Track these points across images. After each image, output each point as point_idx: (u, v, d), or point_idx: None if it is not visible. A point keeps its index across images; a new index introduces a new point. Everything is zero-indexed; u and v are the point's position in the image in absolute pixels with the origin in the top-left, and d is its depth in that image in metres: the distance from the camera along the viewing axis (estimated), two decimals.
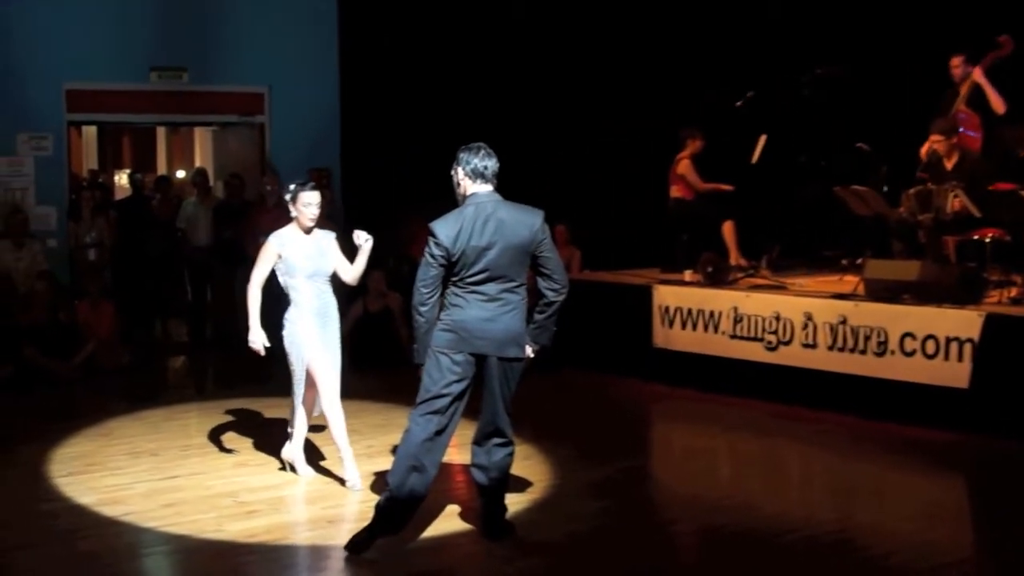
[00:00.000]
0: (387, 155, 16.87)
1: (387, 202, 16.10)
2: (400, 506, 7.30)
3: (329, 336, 8.85)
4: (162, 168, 24.77)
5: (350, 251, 8.86)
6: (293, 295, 8.83)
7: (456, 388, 7.27)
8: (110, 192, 20.52)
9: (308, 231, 8.84)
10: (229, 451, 9.97)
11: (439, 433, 7.30)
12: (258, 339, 8.85)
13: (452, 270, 7.24)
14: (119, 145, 25.99)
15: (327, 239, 8.93)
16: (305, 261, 8.77)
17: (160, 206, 17.05)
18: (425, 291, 7.23)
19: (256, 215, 15.41)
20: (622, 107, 16.85)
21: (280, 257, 8.78)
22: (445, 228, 7.20)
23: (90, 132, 23.39)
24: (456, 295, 7.28)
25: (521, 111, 16.72)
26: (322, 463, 9.45)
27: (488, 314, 7.24)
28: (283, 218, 14.93)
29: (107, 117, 17.68)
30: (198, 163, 21.62)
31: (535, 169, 15.15)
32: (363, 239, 8.55)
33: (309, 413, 9.07)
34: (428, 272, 7.23)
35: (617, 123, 16.76)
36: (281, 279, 8.86)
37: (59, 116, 16.17)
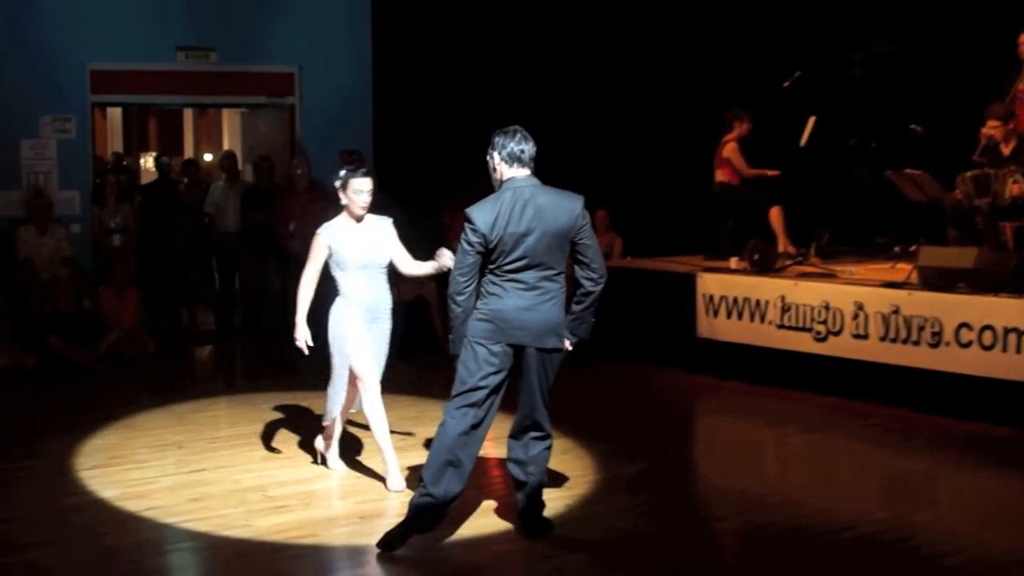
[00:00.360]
0: (422, 138, 16.83)
1: (421, 187, 16.10)
2: (435, 502, 7.28)
3: (377, 332, 8.69)
4: (189, 151, 24.86)
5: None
6: (342, 287, 8.65)
7: (493, 380, 7.24)
8: (135, 176, 20.58)
9: (359, 219, 8.65)
10: (274, 450, 9.79)
11: (475, 427, 7.27)
12: (302, 336, 8.68)
13: (489, 258, 7.21)
14: (145, 127, 26.09)
15: (382, 226, 8.72)
16: (355, 252, 8.57)
17: (187, 190, 17.08)
18: (462, 280, 7.20)
19: (286, 199, 15.43)
20: (665, 88, 16.78)
21: (330, 250, 8.59)
22: (482, 214, 7.17)
23: (115, 114, 23.48)
24: (493, 284, 7.26)
25: (560, 92, 16.68)
26: (357, 457, 9.44)
27: (526, 303, 7.21)
28: (314, 202, 15.03)
29: (132, 98, 17.73)
30: (226, 146, 21.68)
31: (574, 153, 15.11)
32: (446, 258, 8.13)
33: (346, 408, 9.03)
34: (465, 260, 7.20)
35: (660, 104, 16.70)
36: (332, 270, 8.67)
37: (83, 97, 16.20)
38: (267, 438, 10.20)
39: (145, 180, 20.54)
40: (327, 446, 9.19)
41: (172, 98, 17.76)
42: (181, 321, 16.47)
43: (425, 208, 14.48)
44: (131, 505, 8.32)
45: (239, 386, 13.56)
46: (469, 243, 7.17)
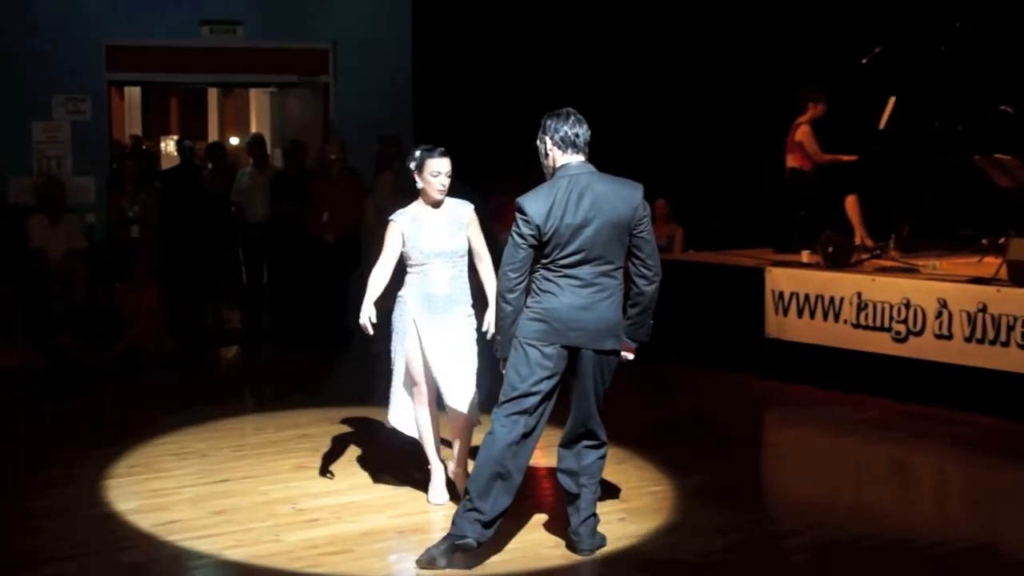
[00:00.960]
0: (467, 120, 16.82)
1: (467, 173, 16.07)
2: (482, 517, 7.27)
3: (442, 327, 8.38)
4: (214, 134, 24.98)
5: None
6: (409, 275, 8.44)
7: (546, 385, 7.24)
8: (155, 161, 20.71)
9: (437, 205, 8.44)
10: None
11: (526, 436, 7.28)
12: (367, 312, 8.33)
13: (542, 251, 7.19)
14: (166, 108, 26.24)
15: (463, 211, 8.51)
16: (430, 239, 8.36)
17: (212, 177, 17.15)
18: (513, 276, 7.18)
19: (319, 187, 15.46)
20: (731, 64, 16.72)
21: (405, 239, 8.36)
22: (535, 204, 7.15)
23: (133, 94, 23.61)
24: (547, 280, 7.24)
25: (614, 71, 16.64)
26: (393, 466, 9.45)
27: (583, 301, 7.21)
28: (349, 190, 15.04)
29: (152, 77, 17.84)
30: (254, 128, 21.79)
31: (630, 136, 15.08)
32: None
33: (449, 431, 8.66)
34: (516, 254, 7.17)
35: (726, 83, 16.64)
36: (405, 261, 8.44)
37: (99, 76, 16.31)
38: (294, 446, 10.24)
39: (166, 165, 20.66)
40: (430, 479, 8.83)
41: (196, 77, 17.90)
42: (204, 319, 16.51)
43: (470, 195, 14.48)
44: (151, 518, 8.36)
45: (267, 390, 13.59)
46: (521, 236, 7.15)
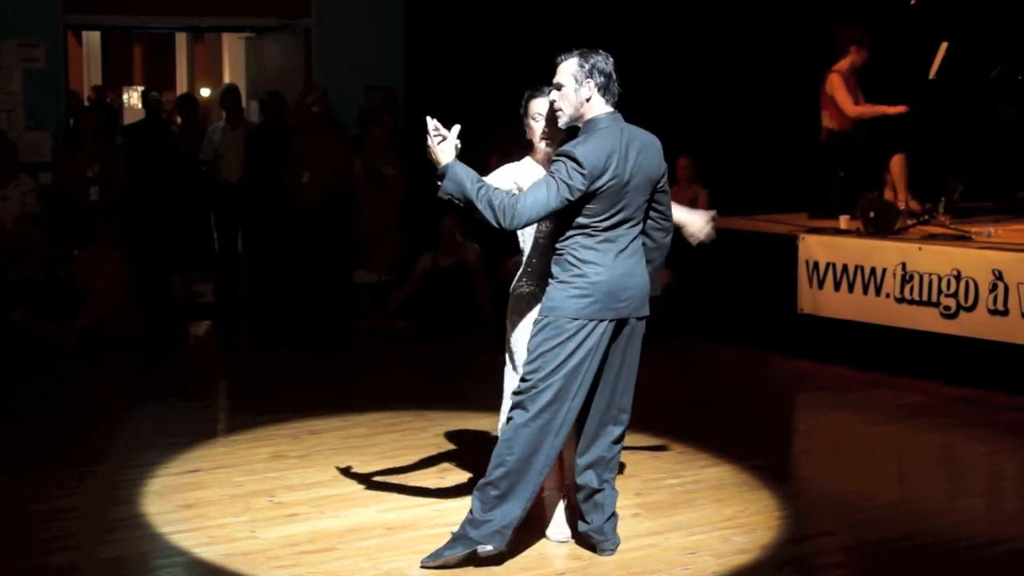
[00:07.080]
0: (464, 69, 16.79)
1: (464, 128, 16.08)
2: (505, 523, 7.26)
3: None
4: (183, 85, 24.98)
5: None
6: (527, 255, 7.74)
7: (589, 366, 7.21)
8: (118, 115, 20.71)
9: (545, 160, 7.63)
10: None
11: (562, 427, 7.23)
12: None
13: (578, 212, 7.08)
14: (129, 56, 26.24)
15: None
16: None
17: (180, 132, 17.16)
18: (531, 221, 7.05)
19: (300, 144, 15.44)
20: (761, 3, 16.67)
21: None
22: (593, 155, 7.00)
23: (93, 39, 23.60)
24: (585, 248, 7.16)
25: (630, 12, 16.59)
26: (376, 458, 9.50)
27: (626, 268, 7.22)
28: (333, 149, 15.03)
29: (114, 20, 17.82)
30: (227, 79, 21.78)
31: (648, 87, 15.05)
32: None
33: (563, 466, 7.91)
34: (551, 204, 6.96)
35: (756, 25, 16.59)
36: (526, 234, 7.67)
37: (54, 19, 16.27)
38: (272, 434, 10.26)
39: (129, 120, 20.67)
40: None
41: (162, 20, 17.83)
42: (173, 291, 16.54)
43: (468, 153, 14.48)
44: (112, 512, 8.39)
45: (241, 369, 13.61)
46: (569, 188, 6.94)
